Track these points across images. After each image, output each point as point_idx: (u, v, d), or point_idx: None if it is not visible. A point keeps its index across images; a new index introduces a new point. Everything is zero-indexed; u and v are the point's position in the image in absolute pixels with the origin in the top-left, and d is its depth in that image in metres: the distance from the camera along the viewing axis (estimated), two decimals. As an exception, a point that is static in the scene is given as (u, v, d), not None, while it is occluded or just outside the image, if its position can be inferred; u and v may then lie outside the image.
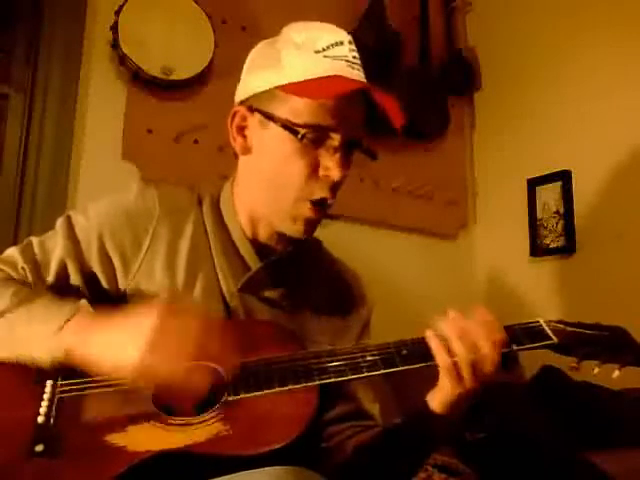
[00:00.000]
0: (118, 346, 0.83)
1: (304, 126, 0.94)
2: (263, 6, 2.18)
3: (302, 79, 0.94)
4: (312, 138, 0.94)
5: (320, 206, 0.98)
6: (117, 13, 1.89)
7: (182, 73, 1.97)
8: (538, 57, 2.47)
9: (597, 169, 2.22)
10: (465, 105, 2.74)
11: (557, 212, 2.34)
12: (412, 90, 2.42)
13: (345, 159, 0.97)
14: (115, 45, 1.90)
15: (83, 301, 0.92)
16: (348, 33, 0.99)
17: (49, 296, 0.94)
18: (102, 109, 1.96)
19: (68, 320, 0.87)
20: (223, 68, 1.99)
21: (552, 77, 2.42)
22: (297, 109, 0.94)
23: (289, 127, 0.94)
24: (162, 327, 0.82)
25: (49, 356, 0.86)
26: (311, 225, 1.00)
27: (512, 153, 2.56)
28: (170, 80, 1.96)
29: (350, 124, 0.96)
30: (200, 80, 2.03)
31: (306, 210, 0.97)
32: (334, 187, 0.97)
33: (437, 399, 0.90)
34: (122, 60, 1.92)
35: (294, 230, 1.00)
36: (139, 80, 1.96)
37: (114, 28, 1.89)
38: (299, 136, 0.93)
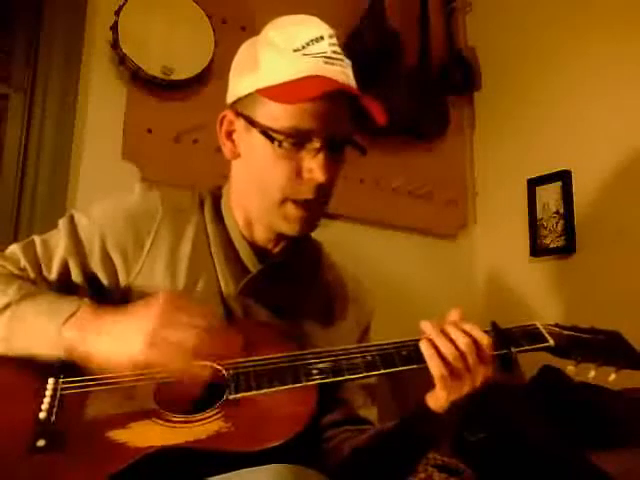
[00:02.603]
0: (120, 339, 0.84)
1: (282, 132, 0.92)
2: (263, 6, 2.17)
3: (279, 81, 0.92)
4: (291, 143, 0.92)
5: (306, 205, 0.95)
6: (117, 13, 1.89)
7: (182, 73, 1.98)
8: (538, 57, 2.48)
9: (597, 169, 2.22)
10: (465, 105, 2.74)
11: (557, 212, 2.34)
12: (412, 90, 2.42)
13: (331, 159, 0.94)
14: (115, 45, 1.91)
15: (86, 299, 0.92)
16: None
17: (52, 292, 0.95)
18: (102, 109, 1.96)
19: (71, 316, 0.87)
20: (223, 68, 1.93)
21: (552, 77, 2.42)
22: (275, 114, 0.92)
23: (267, 134, 0.93)
24: (166, 319, 0.83)
25: (50, 352, 0.87)
26: (306, 223, 0.98)
27: (512, 153, 2.56)
28: (170, 80, 1.96)
29: (331, 123, 0.92)
30: (200, 80, 2.03)
31: (292, 210, 0.95)
32: (320, 188, 0.94)
33: (434, 401, 0.90)
34: (122, 60, 1.92)
35: (290, 229, 0.98)
36: (139, 80, 1.96)
37: (114, 28, 1.89)
38: (276, 143, 0.92)
